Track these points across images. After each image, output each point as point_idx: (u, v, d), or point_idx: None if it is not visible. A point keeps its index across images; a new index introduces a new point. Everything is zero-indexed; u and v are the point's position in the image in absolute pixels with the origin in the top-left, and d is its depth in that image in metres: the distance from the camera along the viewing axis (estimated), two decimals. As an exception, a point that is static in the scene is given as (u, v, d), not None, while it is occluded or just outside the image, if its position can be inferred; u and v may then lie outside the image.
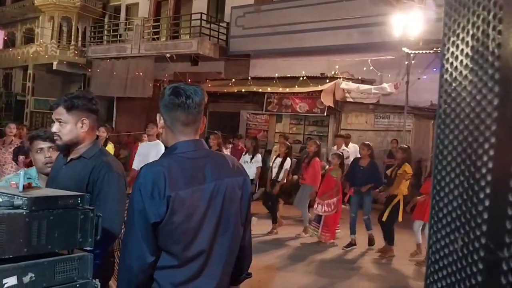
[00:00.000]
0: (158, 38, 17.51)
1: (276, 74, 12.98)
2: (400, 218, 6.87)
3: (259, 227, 7.70)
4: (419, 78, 11.05)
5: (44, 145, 2.77)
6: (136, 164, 7.12)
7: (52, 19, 20.94)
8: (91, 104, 2.41)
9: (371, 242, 7.27)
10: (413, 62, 10.89)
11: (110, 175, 2.32)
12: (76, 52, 20.61)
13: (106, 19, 21.24)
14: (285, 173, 8.06)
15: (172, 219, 1.62)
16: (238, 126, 14.33)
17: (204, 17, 16.10)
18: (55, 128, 2.36)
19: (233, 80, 14.22)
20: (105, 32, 20.02)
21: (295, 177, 8.81)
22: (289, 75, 13.03)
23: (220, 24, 16.22)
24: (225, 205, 1.74)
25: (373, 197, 7.55)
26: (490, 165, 0.79)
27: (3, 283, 1.46)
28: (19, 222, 1.53)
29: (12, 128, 7.43)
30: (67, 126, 2.35)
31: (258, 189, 8.70)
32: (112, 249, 2.64)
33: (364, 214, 7.33)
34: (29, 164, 5.84)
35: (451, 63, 0.91)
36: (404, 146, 7.81)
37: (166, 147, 1.85)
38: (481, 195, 0.80)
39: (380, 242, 7.19)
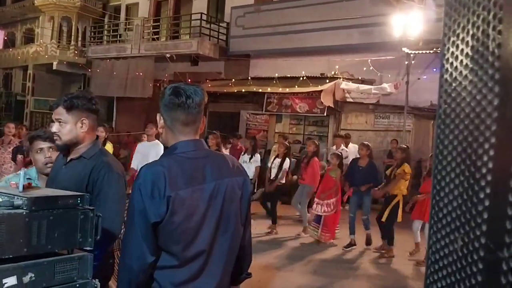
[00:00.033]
0: (158, 38, 17.51)
1: (276, 74, 12.98)
2: (399, 218, 6.88)
3: (258, 227, 7.71)
4: (419, 78, 11.05)
5: (44, 145, 2.77)
6: (135, 164, 7.12)
7: (52, 19, 20.93)
8: (91, 104, 2.40)
9: (368, 241, 7.29)
10: (413, 62, 10.89)
11: (110, 175, 2.32)
12: (76, 52, 20.61)
13: (106, 19, 21.23)
14: (283, 173, 8.06)
15: (172, 219, 1.62)
16: (238, 126, 14.33)
17: (204, 17, 16.09)
18: (55, 128, 2.36)
19: (233, 80, 14.22)
20: (105, 32, 20.01)
21: (295, 177, 8.82)
22: (289, 75, 13.02)
23: (220, 24, 16.21)
24: (225, 205, 1.74)
25: (373, 197, 7.56)
26: (490, 165, 0.79)
27: (3, 283, 1.46)
28: (19, 222, 1.53)
29: (11, 128, 7.43)
30: (67, 126, 2.35)
31: (257, 189, 8.69)
32: (112, 249, 2.64)
33: (363, 214, 7.34)
34: (27, 164, 5.85)
35: (451, 63, 0.91)
36: (403, 146, 7.81)
37: (166, 147, 1.85)
38: (481, 195, 0.80)
39: (377, 241, 7.20)
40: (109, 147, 7.80)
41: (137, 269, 1.65)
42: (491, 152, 0.79)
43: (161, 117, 1.79)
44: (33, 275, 1.54)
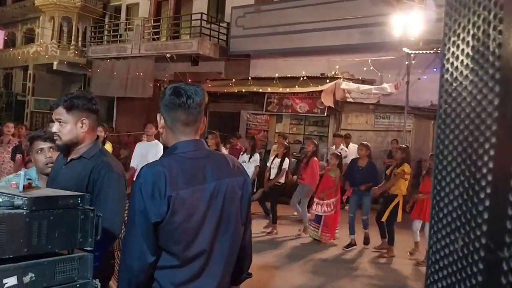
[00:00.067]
0: (158, 38, 17.52)
1: (276, 74, 12.99)
2: (399, 218, 6.88)
3: (259, 227, 7.71)
4: (419, 78, 11.04)
5: (45, 145, 2.77)
6: (135, 163, 7.12)
7: (53, 19, 20.94)
8: (91, 104, 2.40)
9: (366, 241, 7.30)
10: (413, 62, 10.89)
11: (110, 175, 2.32)
12: (76, 52, 20.62)
13: (106, 19, 21.24)
14: (282, 172, 8.07)
15: (172, 219, 1.62)
16: (238, 126, 14.33)
17: (205, 17, 16.10)
18: (55, 128, 2.36)
19: (233, 80, 14.22)
20: (106, 32, 20.02)
21: (295, 177, 8.82)
22: (289, 75, 13.03)
23: (221, 24, 16.22)
24: (225, 205, 1.74)
25: (372, 197, 7.56)
26: (491, 165, 0.79)
27: (3, 283, 1.46)
28: (20, 222, 1.53)
29: (10, 127, 7.44)
30: (67, 126, 2.35)
31: (257, 188, 8.69)
32: (112, 249, 2.64)
33: (363, 215, 7.34)
34: (27, 163, 5.86)
35: (452, 63, 0.91)
36: (403, 146, 7.82)
37: (166, 147, 1.85)
38: (482, 195, 0.80)
39: (377, 240, 7.21)
40: (108, 147, 7.80)
41: (137, 269, 1.65)
42: (492, 152, 0.79)
43: (162, 117, 1.79)
44: (33, 275, 1.54)
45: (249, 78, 13.94)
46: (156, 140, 7.01)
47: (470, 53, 0.86)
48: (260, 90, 13.31)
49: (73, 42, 20.92)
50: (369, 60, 12.13)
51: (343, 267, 6.39)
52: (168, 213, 1.62)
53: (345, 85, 12.06)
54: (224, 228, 1.74)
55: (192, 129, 1.77)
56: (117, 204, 2.32)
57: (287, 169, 8.22)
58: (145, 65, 16.80)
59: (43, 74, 21.56)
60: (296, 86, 12.49)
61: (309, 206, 8.02)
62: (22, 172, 1.77)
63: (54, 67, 20.30)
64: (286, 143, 8.79)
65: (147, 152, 6.95)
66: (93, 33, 20.68)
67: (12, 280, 1.49)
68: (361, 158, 7.52)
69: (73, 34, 21.07)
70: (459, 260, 0.85)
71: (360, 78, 12.57)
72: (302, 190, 8.04)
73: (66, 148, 2.41)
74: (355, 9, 12.42)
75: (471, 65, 0.86)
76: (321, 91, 12.05)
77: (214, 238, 1.71)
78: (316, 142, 8.44)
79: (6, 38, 21.29)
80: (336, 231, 7.67)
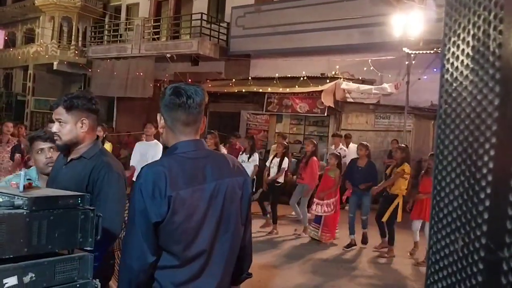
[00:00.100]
0: (158, 38, 17.52)
1: (277, 74, 12.98)
2: (399, 218, 6.88)
3: (257, 227, 7.71)
4: (419, 78, 11.04)
5: (45, 145, 2.77)
6: (134, 163, 7.12)
7: (53, 19, 20.94)
8: (91, 104, 2.40)
9: (364, 240, 7.30)
10: (413, 62, 10.89)
11: (110, 175, 2.32)
12: (76, 52, 20.61)
13: (106, 19, 21.23)
14: (282, 171, 8.07)
15: (173, 219, 1.63)
16: (239, 126, 14.33)
17: (205, 17, 16.10)
18: (55, 128, 2.36)
19: (234, 80, 14.22)
20: (106, 32, 20.02)
21: (295, 177, 8.82)
22: (289, 75, 13.02)
23: (221, 24, 16.22)
24: (225, 205, 1.74)
25: (372, 196, 7.56)
26: (491, 165, 0.79)
27: (4, 283, 1.47)
28: (20, 222, 1.53)
29: (9, 127, 7.44)
30: (67, 126, 2.35)
31: (257, 188, 8.69)
32: (112, 249, 2.64)
33: (363, 215, 7.35)
34: (26, 162, 5.86)
35: (452, 63, 0.91)
36: (403, 145, 7.81)
37: (166, 147, 1.85)
38: (482, 195, 0.80)
39: (377, 240, 7.20)
40: (107, 146, 7.80)
41: (137, 269, 1.65)
42: (492, 152, 0.79)
43: (162, 117, 1.79)
44: (33, 275, 1.54)
45: (249, 78, 13.94)
46: (156, 140, 7.01)
47: (470, 53, 0.86)
48: (260, 90, 13.31)
49: (73, 42, 20.91)
50: (369, 60, 12.13)
51: (343, 267, 6.39)
52: (168, 213, 1.62)
53: (345, 85, 12.06)
54: (224, 228, 1.74)
55: (192, 129, 1.77)
56: (117, 204, 2.32)
57: (286, 168, 8.23)
58: (145, 65, 16.80)
59: (43, 74, 21.56)
60: (296, 86, 12.49)
61: (309, 206, 8.02)
62: (22, 172, 1.77)
63: (54, 67, 20.29)
64: (285, 143, 8.78)
65: (146, 152, 6.95)
66: (93, 33, 20.68)
67: (12, 280, 1.49)
68: (361, 158, 7.52)
69: (73, 34, 21.06)
70: (459, 260, 0.85)
71: (360, 78, 12.57)
72: (301, 190, 8.05)
73: (66, 148, 2.41)
74: (355, 9, 12.42)
75: (471, 65, 0.86)
76: (321, 91, 12.05)
77: (214, 238, 1.71)
78: (315, 142, 8.44)
79: (6, 38, 21.28)
80: (336, 231, 7.68)
